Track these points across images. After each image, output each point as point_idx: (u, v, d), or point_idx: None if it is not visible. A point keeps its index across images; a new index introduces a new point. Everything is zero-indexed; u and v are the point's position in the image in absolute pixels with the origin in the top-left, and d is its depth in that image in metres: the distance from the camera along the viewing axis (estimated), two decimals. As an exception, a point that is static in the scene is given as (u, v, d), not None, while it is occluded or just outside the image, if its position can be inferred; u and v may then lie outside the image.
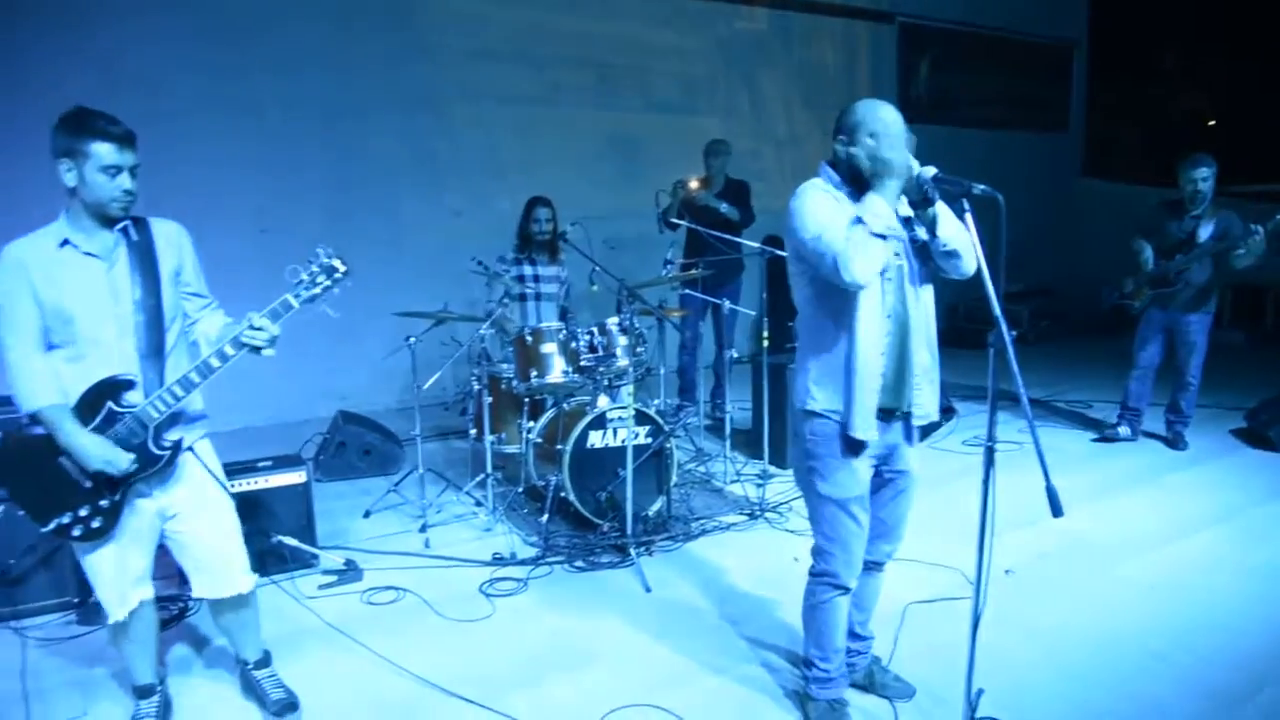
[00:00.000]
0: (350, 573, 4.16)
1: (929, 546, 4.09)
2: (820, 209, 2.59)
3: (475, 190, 7.73)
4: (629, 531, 4.25)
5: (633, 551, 4.20)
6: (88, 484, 2.67)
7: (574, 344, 4.66)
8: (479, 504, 4.99)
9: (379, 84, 7.24)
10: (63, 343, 2.66)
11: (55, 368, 2.66)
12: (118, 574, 2.80)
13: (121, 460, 2.63)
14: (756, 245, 5.10)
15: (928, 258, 2.68)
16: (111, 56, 6.03)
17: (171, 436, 2.75)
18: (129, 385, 2.67)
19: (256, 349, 2.62)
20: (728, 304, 5.50)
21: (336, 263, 2.66)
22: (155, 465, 2.71)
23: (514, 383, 4.82)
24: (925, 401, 2.73)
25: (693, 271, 5.40)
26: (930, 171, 2.54)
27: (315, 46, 6.94)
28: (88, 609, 3.82)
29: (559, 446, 4.47)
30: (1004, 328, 2.29)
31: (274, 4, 6.78)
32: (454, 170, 7.71)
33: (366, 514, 4.97)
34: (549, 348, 4.65)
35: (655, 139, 8.58)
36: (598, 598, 3.93)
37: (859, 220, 2.47)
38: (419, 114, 7.48)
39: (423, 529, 4.65)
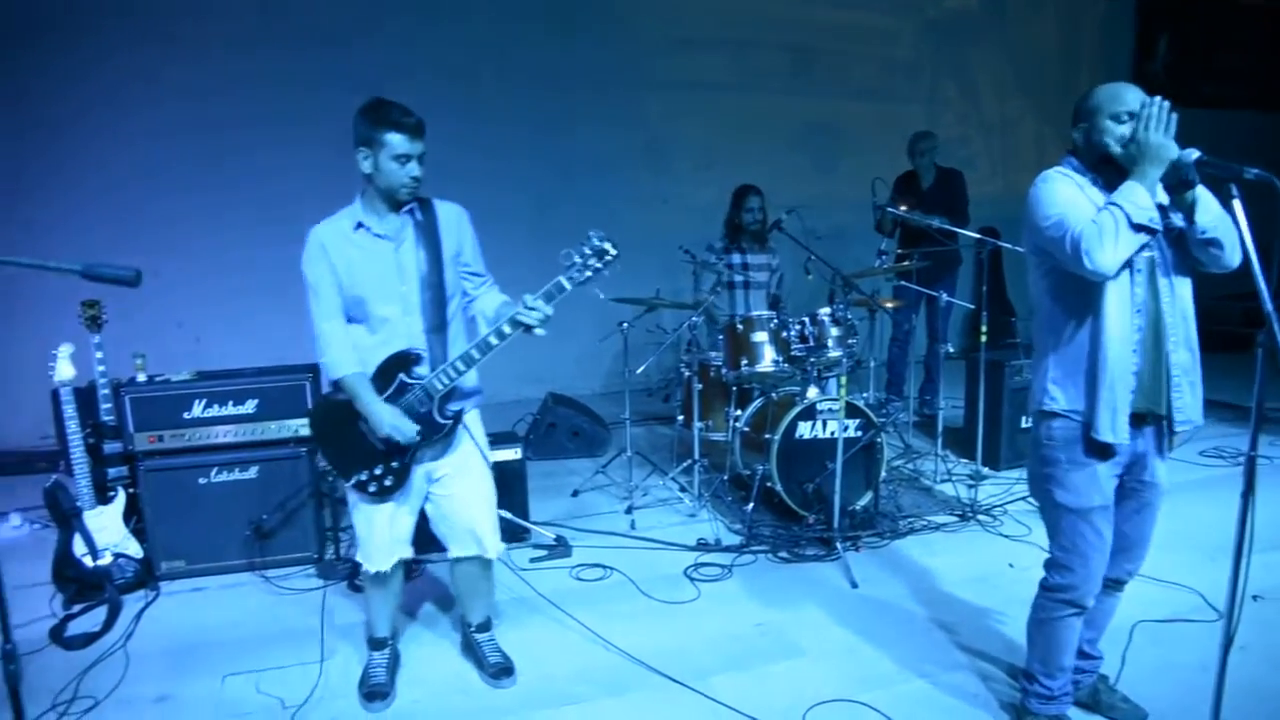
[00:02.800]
0: (560, 548, 4.32)
1: (1161, 564, 3.77)
2: (1062, 193, 2.44)
3: (679, 178, 7.81)
4: (835, 525, 4.19)
5: (839, 546, 4.14)
6: (381, 446, 2.91)
7: (785, 333, 4.63)
8: (684, 489, 5.06)
9: (585, 74, 7.42)
10: (358, 318, 2.92)
11: (356, 340, 2.91)
12: (390, 529, 3.04)
13: (408, 429, 2.85)
14: (974, 235, 4.88)
15: (1184, 247, 2.48)
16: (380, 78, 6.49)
17: (453, 407, 2.95)
18: (418, 359, 2.89)
19: (530, 328, 2.75)
20: (944, 296, 5.29)
21: (607, 246, 2.74)
22: (438, 433, 2.92)
23: (723, 370, 4.84)
24: (1186, 405, 2.51)
25: (907, 263, 5.24)
26: (1193, 154, 2.33)
27: (528, 38, 7.21)
28: (325, 565, 4.17)
29: (767, 436, 4.46)
30: (1276, 325, 2.08)
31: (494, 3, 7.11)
32: (658, 158, 7.81)
33: (575, 493, 5.14)
34: (760, 336, 4.63)
35: (857, 126, 8.36)
36: (802, 590, 3.90)
37: (1111, 204, 2.32)
38: (623, 102, 7.62)
39: (629, 511, 4.77)
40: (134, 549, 3.98)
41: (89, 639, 3.54)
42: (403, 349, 2.89)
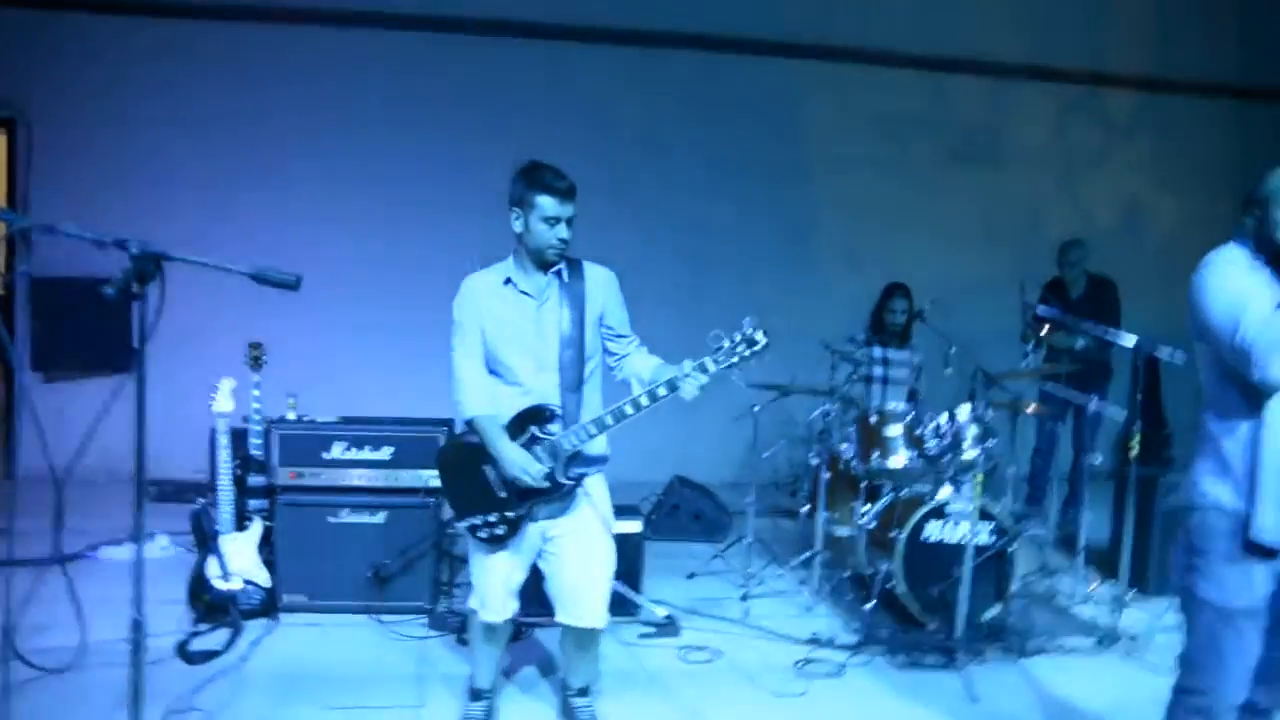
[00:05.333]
0: (669, 627, 4.25)
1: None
2: (1233, 285, 2.29)
3: (828, 269, 7.80)
4: (959, 634, 3.96)
5: (961, 656, 3.90)
6: (502, 494, 2.96)
7: (920, 429, 4.49)
8: (802, 583, 4.91)
9: (737, 160, 7.55)
10: (496, 370, 3.02)
11: (492, 386, 3.01)
12: (503, 582, 3.07)
13: (535, 470, 2.88)
14: (1131, 338, 4.63)
15: None
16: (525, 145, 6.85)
17: (577, 469, 2.97)
18: (553, 416, 2.94)
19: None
20: (1095, 401, 5.02)
21: (759, 335, 2.72)
22: (558, 492, 2.94)
23: (853, 463, 4.73)
24: None
25: (1055, 366, 5.02)
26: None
27: (681, 127, 7.42)
28: (437, 615, 4.23)
29: (893, 534, 4.29)
30: None
31: (642, 84, 7.37)
32: (808, 247, 7.83)
33: (690, 575, 5.06)
34: (894, 430, 4.52)
35: (1011, 220, 8.20)
36: (918, 697, 3.69)
37: None
38: (774, 188, 7.69)
39: (744, 598, 4.64)
40: (262, 578, 4.15)
41: (209, 656, 3.70)
42: (539, 403, 2.95)
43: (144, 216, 5.87)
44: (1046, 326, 5.30)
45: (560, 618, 3.12)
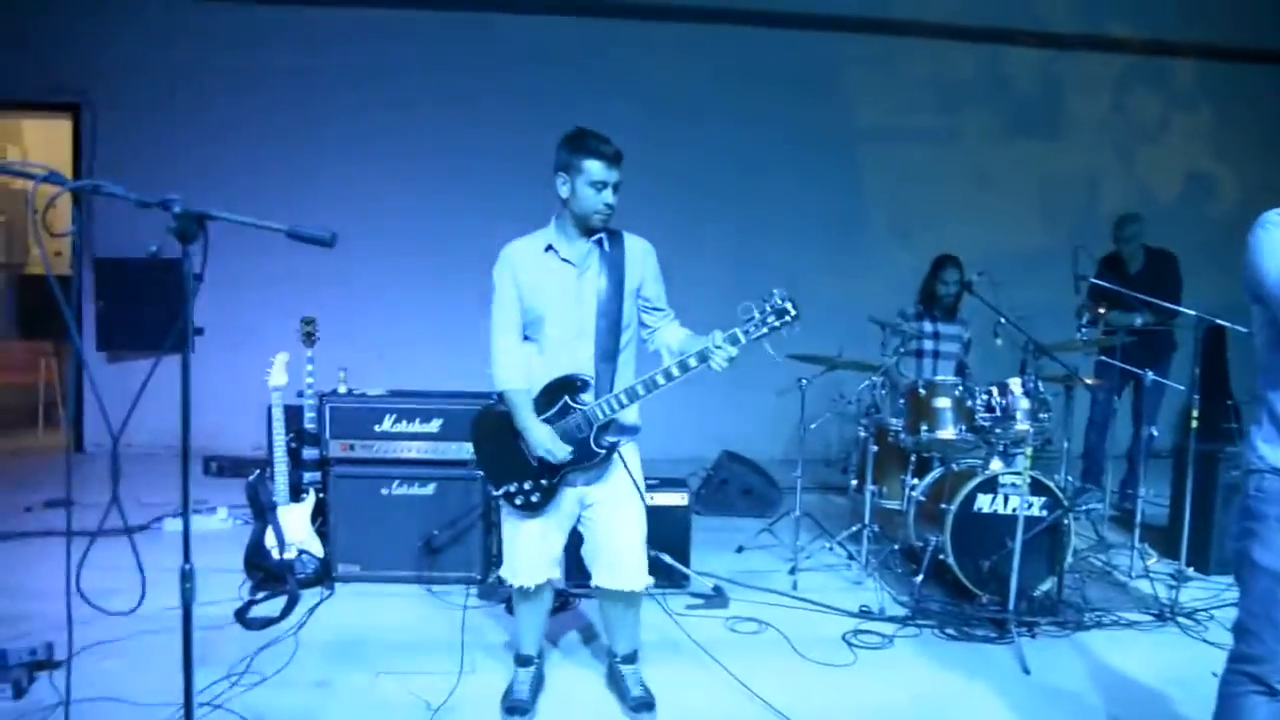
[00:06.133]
0: (717, 598, 4.25)
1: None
2: None
3: (877, 242, 7.71)
4: (1011, 607, 3.90)
5: (1013, 629, 3.85)
6: (534, 463, 2.99)
7: (970, 401, 4.43)
8: (851, 557, 4.88)
9: (783, 135, 7.49)
10: (532, 337, 3.05)
11: (527, 356, 3.04)
12: (539, 547, 3.10)
13: (560, 452, 2.93)
14: (1193, 313, 4.51)
15: None
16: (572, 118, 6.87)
17: (610, 438, 3.00)
18: (585, 385, 2.97)
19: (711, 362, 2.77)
20: (1151, 375, 4.89)
21: (789, 305, 2.74)
22: (590, 460, 2.97)
23: (902, 436, 4.68)
24: None
25: (1112, 336, 4.90)
26: None
27: (728, 102, 7.36)
28: (486, 586, 4.29)
29: (943, 506, 4.24)
30: None
31: (688, 59, 7.33)
32: (856, 219, 7.75)
33: (739, 549, 5.07)
34: (943, 402, 4.46)
35: (1067, 193, 8.02)
36: (968, 669, 3.64)
37: None
38: (822, 162, 7.62)
39: (792, 571, 4.64)
40: (317, 548, 4.24)
41: (267, 623, 3.79)
42: (571, 373, 2.97)
43: (203, 199, 6.02)
44: (1104, 304, 5.19)
45: (597, 581, 3.15)
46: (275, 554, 4.11)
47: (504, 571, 3.22)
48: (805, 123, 7.52)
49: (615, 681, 3.35)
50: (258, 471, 4.30)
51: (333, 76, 6.99)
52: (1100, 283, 5.01)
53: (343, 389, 4.45)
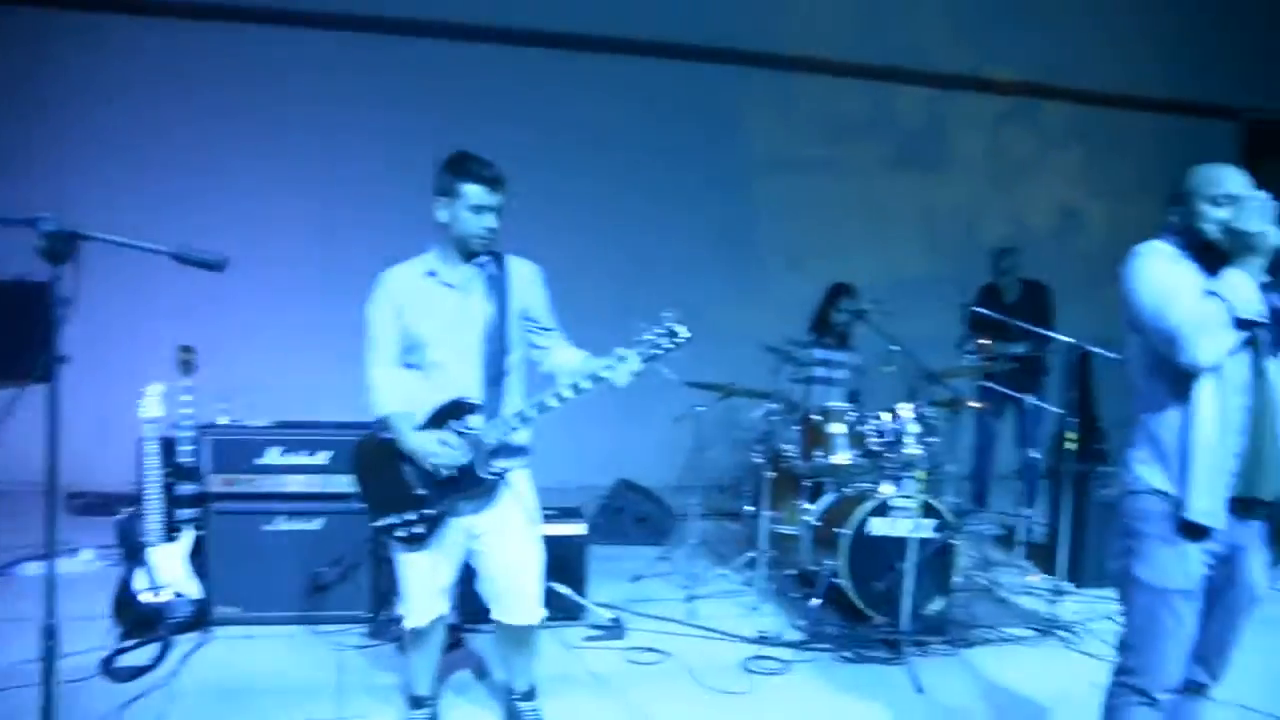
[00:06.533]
0: (615, 629, 4.20)
1: (1260, 694, 3.47)
2: (1161, 273, 2.37)
3: (770, 271, 7.83)
4: (904, 627, 3.98)
5: (906, 649, 3.92)
6: (420, 491, 2.89)
7: (862, 427, 4.52)
8: (747, 582, 4.90)
9: (679, 164, 7.53)
10: (416, 364, 2.96)
11: (406, 382, 2.94)
12: (428, 582, 2.99)
13: (448, 456, 2.82)
14: (1070, 340, 4.72)
15: None
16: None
17: (499, 464, 2.91)
18: (473, 409, 2.88)
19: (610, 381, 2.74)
20: (1032, 400, 5.09)
21: (679, 328, 2.74)
22: (479, 487, 2.88)
23: (797, 461, 4.73)
24: None
25: (992, 361, 5.09)
26: (1307, 236, 2.25)
27: (623, 131, 7.37)
28: (377, 624, 4.12)
29: (838, 530, 4.30)
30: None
31: (583, 88, 7.31)
32: (750, 248, 7.85)
33: (635, 578, 5.02)
34: (837, 428, 4.54)
35: (950, 225, 8.35)
36: (865, 691, 3.69)
37: (1213, 294, 2.24)
38: (718, 191, 7.69)
39: (689, 599, 4.62)
40: (193, 590, 4.00)
41: (137, 673, 3.54)
42: (458, 397, 2.89)
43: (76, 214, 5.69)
44: (986, 334, 5.39)
45: (496, 616, 3.06)
46: (147, 597, 3.86)
47: (400, 610, 3.10)
48: (701, 153, 7.60)
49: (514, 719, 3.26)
50: (129, 509, 4.06)
51: (213, 95, 6.71)
52: (982, 310, 5.20)
53: (224, 420, 4.24)
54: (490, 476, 2.88)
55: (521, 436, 2.97)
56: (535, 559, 3.05)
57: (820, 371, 5.46)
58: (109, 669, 3.55)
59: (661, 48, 7.46)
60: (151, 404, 3.95)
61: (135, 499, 4.17)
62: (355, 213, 6.79)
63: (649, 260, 7.51)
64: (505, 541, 2.99)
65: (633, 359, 2.72)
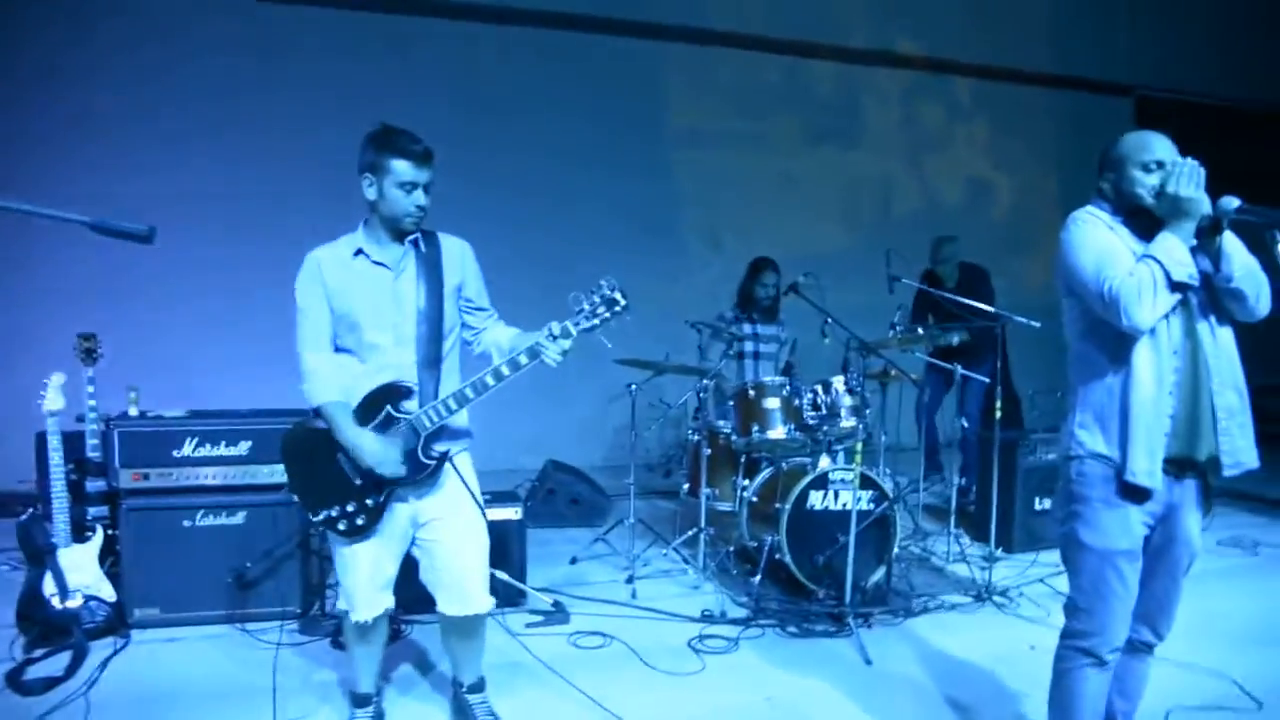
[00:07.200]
0: (558, 614, 4.11)
1: (1189, 650, 3.59)
2: (1096, 239, 2.41)
3: (690, 246, 7.82)
4: (847, 600, 3.99)
5: (851, 621, 3.93)
6: (358, 482, 2.74)
7: (797, 401, 4.51)
8: (687, 561, 4.86)
9: (600, 138, 7.43)
10: (349, 347, 2.79)
11: (341, 368, 2.78)
12: (371, 575, 2.85)
13: (392, 463, 2.70)
14: (1005, 314, 4.76)
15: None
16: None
17: (439, 447, 2.79)
18: (408, 393, 2.75)
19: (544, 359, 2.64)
20: (959, 370, 5.16)
21: (618, 295, 2.65)
22: (421, 473, 2.75)
23: (732, 438, 4.70)
24: (1236, 448, 2.40)
25: (919, 334, 5.15)
26: (1233, 203, 2.31)
27: (536, 104, 7.24)
28: (309, 620, 3.96)
29: (777, 505, 4.29)
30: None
31: (501, 61, 7.20)
32: (670, 223, 7.82)
33: (573, 561, 4.93)
34: (772, 403, 4.51)
35: (868, 197, 8.47)
36: (813, 665, 3.69)
37: (1148, 258, 2.26)
38: (638, 165, 7.63)
39: (630, 580, 4.56)
40: (107, 592, 3.76)
41: (49, 684, 3.30)
42: (392, 381, 2.75)
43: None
44: (929, 316, 5.46)
45: (442, 608, 2.92)
46: (56, 603, 3.61)
47: (342, 604, 2.95)
48: (621, 127, 7.50)
49: (462, 713, 3.14)
50: (30, 509, 3.78)
51: (118, 72, 6.29)
52: (928, 290, 5.29)
53: (134, 411, 3.99)
54: (431, 461, 2.76)
55: (461, 417, 2.84)
56: (481, 545, 2.93)
57: (748, 346, 5.46)
58: (16, 682, 3.29)
59: (581, 20, 7.35)
60: (53, 395, 3.68)
61: (37, 498, 3.90)
62: (272, 194, 6.48)
63: (569, 236, 7.39)
64: (451, 529, 2.86)
65: (562, 340, 2.63)
